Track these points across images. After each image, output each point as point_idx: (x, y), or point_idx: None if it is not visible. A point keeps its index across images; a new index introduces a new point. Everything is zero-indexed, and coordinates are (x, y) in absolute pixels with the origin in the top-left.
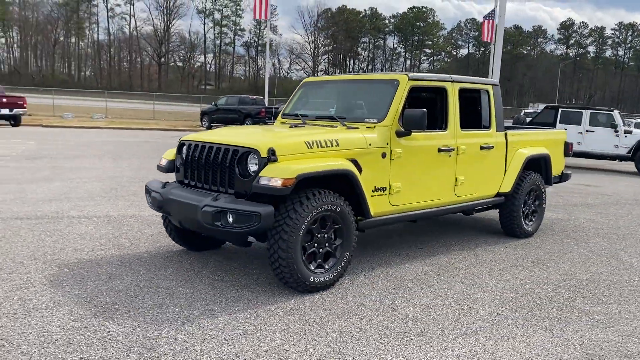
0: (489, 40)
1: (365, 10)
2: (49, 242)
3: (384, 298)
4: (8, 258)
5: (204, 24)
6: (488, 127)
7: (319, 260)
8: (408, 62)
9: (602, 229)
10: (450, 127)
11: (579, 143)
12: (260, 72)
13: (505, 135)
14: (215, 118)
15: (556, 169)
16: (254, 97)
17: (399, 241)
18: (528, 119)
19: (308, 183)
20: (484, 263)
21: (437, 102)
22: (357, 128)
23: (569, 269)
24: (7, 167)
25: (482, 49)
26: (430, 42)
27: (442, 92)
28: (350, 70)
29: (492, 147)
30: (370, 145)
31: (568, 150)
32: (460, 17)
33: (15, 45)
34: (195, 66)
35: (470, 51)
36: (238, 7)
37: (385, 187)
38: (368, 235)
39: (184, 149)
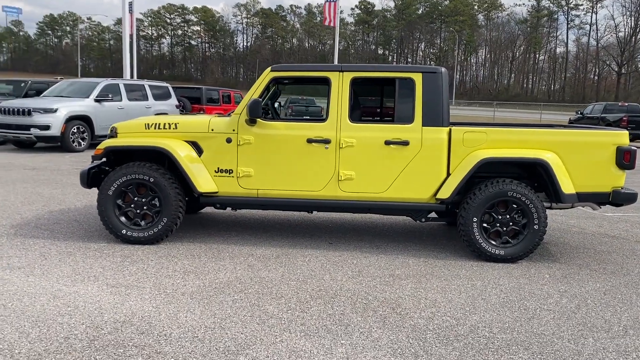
0: None
1: None
2: None
3: (165, 260)
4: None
5: None
6: (408, 120)
7: (136, 219)
8: None
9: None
10: (331, 118)
11: None
12: None
13: (450, 131)
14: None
15: (593, 184)
16: (627, 104)
17: (329, 231)
18: None
19: (135, 156)
20: (336, 264)
21: (325, 93)
22: (229, 116)
23: (421, 290)
24: None
25: None
26: None
27: (327, 82)
28: None
29: (407, 142)
30: (212, 130)
31: (624, 159)
32: None
33: (481, 63)
34: None
35: None
36: None
37: (232, 170)
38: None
39: None
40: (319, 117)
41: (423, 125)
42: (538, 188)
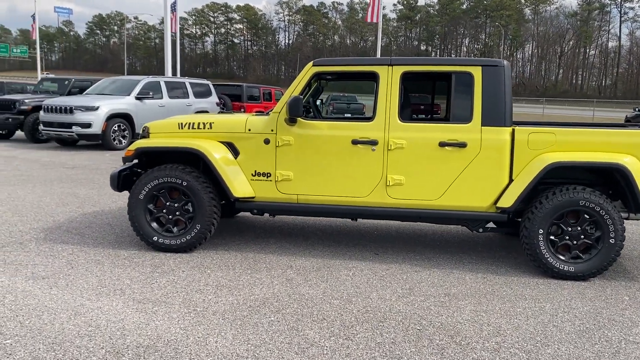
0: None
1: None
2: None
3: (197, 272)
4: None
5: None
6: (465, 119)
7: (168, 225)
8: None
9: None
10: (379, 117)
11: None
12: None
13: (513, 132)
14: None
15: None
16: None
17: (377, 241)
18: None
19: (167, 157)
20: (381, 278)
21: (369, 90)
22: (268, 114)
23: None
24: None
25: None
26: None
27: (374, 78)
28: None
29: (465, 144)
30: (249, 130)
31: None
32: None
33: (527, 59)
34: None
35: None
36: None
37: (270, 173)
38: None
39: None
40: (361, 114)
41: (482, 124)
42: (613, 196)
